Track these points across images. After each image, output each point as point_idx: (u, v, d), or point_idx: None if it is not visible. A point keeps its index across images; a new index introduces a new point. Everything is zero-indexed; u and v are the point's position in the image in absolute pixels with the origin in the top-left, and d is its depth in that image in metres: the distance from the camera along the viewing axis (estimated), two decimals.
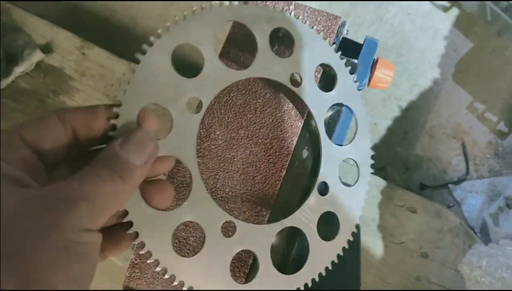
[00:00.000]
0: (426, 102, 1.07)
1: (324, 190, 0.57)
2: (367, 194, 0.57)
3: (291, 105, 0.62)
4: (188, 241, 0.58)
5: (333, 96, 0.59)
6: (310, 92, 0.58)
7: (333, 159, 0.58)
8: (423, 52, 1.12)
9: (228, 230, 0.54)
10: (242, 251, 0.52)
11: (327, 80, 0.62)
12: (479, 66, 1.10)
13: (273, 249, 0.55)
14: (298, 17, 0.57)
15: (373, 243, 0.90)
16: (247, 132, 0.61)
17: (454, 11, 1.16)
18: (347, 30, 0.69)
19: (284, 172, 0.60)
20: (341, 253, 0.53)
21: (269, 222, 0.57)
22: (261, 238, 0.54)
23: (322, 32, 0.66)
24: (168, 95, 0.49)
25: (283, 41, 0.64)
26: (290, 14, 0.67)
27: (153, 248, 0.50)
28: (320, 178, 0.57)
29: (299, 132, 0.61)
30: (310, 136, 0.62)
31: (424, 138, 1.05)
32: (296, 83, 0.59)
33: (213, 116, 0.61)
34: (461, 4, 1.14)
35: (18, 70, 1.03)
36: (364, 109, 0.59)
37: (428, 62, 1.11)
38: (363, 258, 0.90)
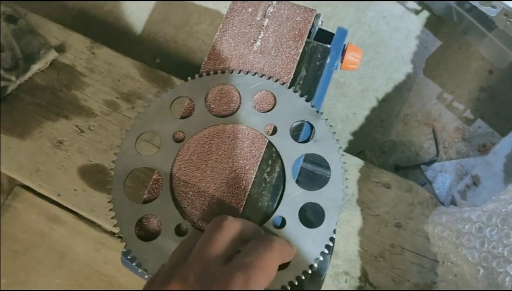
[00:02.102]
0: (400, 93, 1.14)
1: (280, 224, 0.62)
2: (331, 241, 0.61)
3: (256, 148, 0.68)
4: (148, 229, 0.65)
5: (307, 146, 0.66)
6: (283, 141, 0.66)
7: (295, 200, 0.63)
8: (397, 50, 1.19)
9: (182, 231, 0.63)
10: None
11: (303, 132, 0.68)
12: (447, 62, 1.17)
13: None
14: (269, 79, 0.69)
15: (352, 215, 0.97)
16: (215, 163, 0.67)
17: (425, 14, 1.23)
18: (322, 21, 0.77)
19: (248, 192, 0.65)
20: (287, 287, 0.58)
21: None
22: None
23: (300, 23, 0.74)
24: (161, 126, 0.68)
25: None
26: (272, 8, 0.75)
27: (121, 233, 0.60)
28: (278, 212, 0.63)
29: (258, 163, 0.67)
30: (274, 178, 0.66)
31: (399, 125, 1.11)
32: (272, 133, 0.67)
33: (192, 148, 0.68)
34: (431, 7, 1.22)
35: (35, 68, 1.10)
36: (340, 160, 0.65)
37: (402, 59, 1.18)
38: (344, 229, 0.96)
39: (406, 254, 0.93)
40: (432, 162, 1.08)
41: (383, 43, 1.20)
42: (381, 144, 1.11)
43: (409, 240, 0.93)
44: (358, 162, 1.00)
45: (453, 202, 1.00)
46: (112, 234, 1.11)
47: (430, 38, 1.20)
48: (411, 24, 1.22)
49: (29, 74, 1.10)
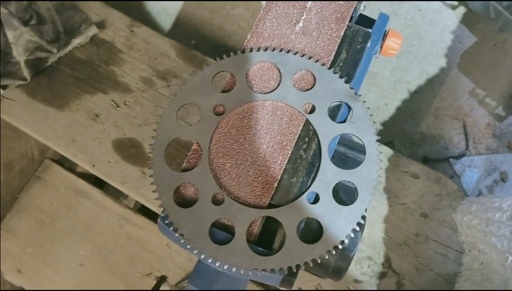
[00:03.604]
0: (432, 87, 1.14)
1: (313, 200, 0.63)
2: (363, 220, 0.61)
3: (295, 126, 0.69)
4: (186, 197, 0.66)
5: (344, 126, 0.67)
6: (321, 120, 0.67)
7: (329, 178, 0.64)
8: (432, 44, 1.19)
9: (217, 200, 0.64)
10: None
11: (341, 112, 0.69)
12: (481, 58, 1.16)
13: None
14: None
15: (379, 202, 0.97)
16: (253, 137, 0.68)
17: (461, 9, 1.22)
18: (364, 6, 0.78)
19: (284, 167, 0.66)
20: (317, 258, 0.59)
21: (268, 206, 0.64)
22: (241, 216, 0.63)
23: (342, 6, 0.75)
24: (202, 99, 0.70)
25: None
26: None
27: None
28: (312, 188, 0.64)
29: (295, 140, 0.68)
30: (310, 155, 0.68)
31: (429, 118, 1.11)
32: (310, 111, 0.68)
33: (231, 122, 0.69)
34: (468, 3, 1.21)
35: (76, 42, 1.13)
36: (376, 143, 0.66)
37: (436, 53, 1.18)
38: (370, 216, 0.97)
39: (431, 244, 0.93)
40: (461, 156, 1.08)
41: (418, 36, 1.20)
42: (411, 135, 1.11)
43: (434, 230, 0.94)
44: (387, 151, 1.00)
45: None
46: (136, 211, 1.14)
47: (465, 33, 1.20)
48: (447, 19, 1.21)
49: (69, 47, 1.13)
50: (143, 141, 0.98)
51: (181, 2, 1.31)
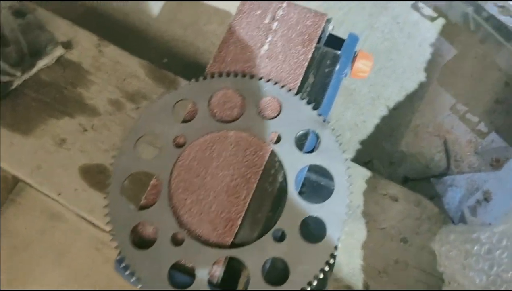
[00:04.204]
0: (411, 103, 1.11)
1: (280, 238, 0.60)
2: (332, 258, 0.58)
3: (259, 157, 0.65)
4: (144, 236, 0.62)
5: (312, 157, 0.64)
6: (287, 150, 0.64)
7: (296, 213, 0.60)
8: (411, 58, 1.16)
9: (177, 240, 0.60)
10: None
11: (308, 141, 0.66)
12: (462, 72, 1.14)
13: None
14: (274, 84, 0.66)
15: (357, 228, 0.94)
16: (215, 170, 0.65)
17: (441, 21, 1.20)
18: (333, 26, 0.74)
19: (248, 202, 0.63)
20: None
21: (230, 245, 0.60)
22: (202, 257, 0.59)
23: (310, 27, 0.71)
24: (162, 130, 0.66)
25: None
26: (282, 11, 0.73)
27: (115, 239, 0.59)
28: (278, 225, 0.60)
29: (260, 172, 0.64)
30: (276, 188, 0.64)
31: (409, 136, 1.08)
32: (275, 141, 0.64)
33: (193, 154, 0.66)
34: (447, 14, 1.19)
35: (41, 63, 1.09)
36: (346, 173, 0.62)
37: (415, 67, 1.15)
38: (348, 242, 0.93)
39: (411, 271, 0.90)
40: (442, 175, 1.04)
41: (396, 50, 1.17)
42: (390, 154, 1.08)
43: (415, 256, 0.90)
44: (365, 173, 0.97)
45: (463, 218, 0.97)
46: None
47: (445, 46, 1.17)
48: (426, 31, 1.19)
49: (34, 70, 1.09)
50: (111, 167, 0.93)
51: (153, 18, 1.27)
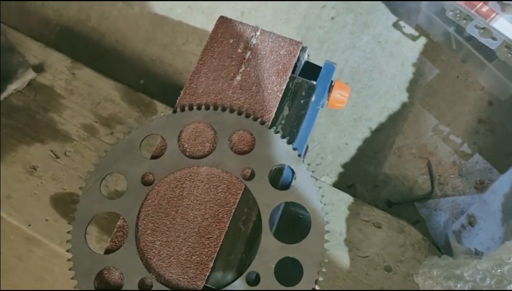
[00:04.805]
0: (394, 124, 1.09)
1: (253, 280, 0.57)
2: None
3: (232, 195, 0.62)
4: (109, 283, 0.59)
5: (287, 194, 0.61)
6: (261, 187, 0.61)
7: (271, 254, 0.58)
8: (393, 77, 1.14)
9: (145, 285, 0.57)
10: None
11: (283, 177, 0.63)
12: (444, 91, 1.12)
13: None
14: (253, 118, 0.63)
15: (340, 256, 0.91)
16: (186, 210, 0.62)
17: (422, 40, 1.19)
18: (308, 55, 0.72)
19: (220, 243, 0.60)
20: None
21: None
22: None
23: (285, 58, 0.69)
24: (129, 167, 0.62)
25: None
26: (255, 40, 0.70)
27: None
28: (252, 267, 0.57)
29: (233, 211, 0.61)
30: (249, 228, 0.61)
31: (392, 158, 1.06)
32: (249, 177, 0.62)
33: (162, 192, 0.63)
34: (429, 34, 1.18)
35: (11, 88, 1.06)
36: (321, 212, 0.60)
37: (397, 87, 1.13)
38: (330, 270, 0.91)
39: None
40: (426, 198, 1.03)
41: (378, 70, 1.16)
42: (373, 177, 1.06)
43: (399, 285, 0.88)
44: (347, 198, 0.95)
45: (448, 244, 0.95)
46: None
47: (427, 66, 1.16)
48: (407, 51, 1.17)
49: (5, 94, 1.05)
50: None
51: (130, 38, 1.24)
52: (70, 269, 0.59)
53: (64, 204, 0.97)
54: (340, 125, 1.10)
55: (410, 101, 1.12)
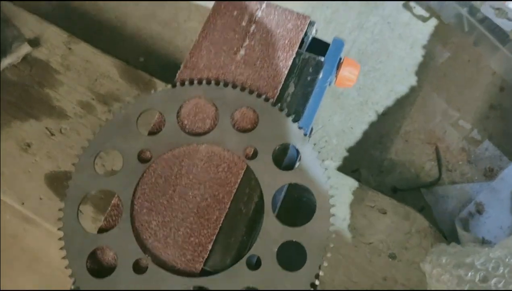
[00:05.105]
0: (402, 108, 1.06)
1: (254, 265, 0.55)
2: (313, 287, 0.53)
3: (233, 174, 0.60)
4: (102, 263, 0.57)
5: (291, 174, 0.58)
6: (264, 167, 0.58)
7: (273, 237, 0.55)
8: (401, 60, 1.11)
9: (140, 267, 0.55)
10: None
11: (288, 157, 0.60)
12: (454, 75, 1.09)
13: None
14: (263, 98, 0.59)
15: (343, 242, 0.89)
16: (184, 189, 0.59)
17: (433, 22, 1.15)
18: (316, 30, 0.68)
19: (220, 224, 0.58)
20: None
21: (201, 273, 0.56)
22: (168, 286, 0.54)
23: (292, 31, 0.65)
24: (124, 143, 0.59)
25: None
26: (261, 12, 0.67)
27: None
28: (253, 250, 0.55)
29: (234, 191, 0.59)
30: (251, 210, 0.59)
31: (399, 143, 1.03)
32: (251, 156, 0.59)
33: (159, 170, 0.60)
34: (440, 15, 1.14)
35: (6, 61, 1.02)
36: (327, 194, 0.57)
37: (406, 70, 1.10)
38: (333, 257, 0.88)
39: (400, 289, 0.85)
40: (433, 185, 1.00)
41: (386, 52, 1.12)
42: (379, 163, 1.03)
43: (403, 273, 0.86)
44: (351, 183, 0.92)
45: (454, 232, 0.92)
46: None
47: (437, 48, 1.12)
48: (417, 32, 1.13)
49: None
50: None
51: (130, 14, 1.20)
52: (61, 248, 0.56)
53: (59, 183, 0.94)
54: (346, 109, 1.07)
55: (418, 85, 1.09)
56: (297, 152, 0.60)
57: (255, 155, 0.59)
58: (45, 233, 1.04)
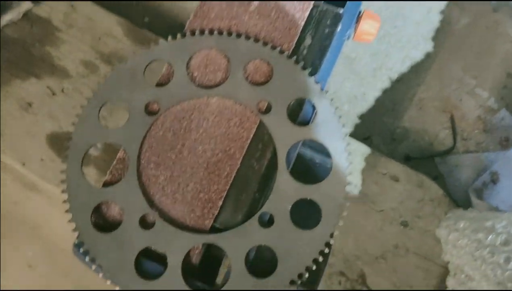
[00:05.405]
0: (416, 74, 1.03)
1: (266, 222, 0.52)
2: (327, 247, 0.52)
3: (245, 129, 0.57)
4: (107, 218, 0.55)
5: (306, 130, 0.55)
6: (278, 122, 0.55)
7: (287, 195, 0.53)
8: (417, 25, 1.07)
9: (147, 223, 0.52)
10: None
11: (303, 112, 0.58)
12: (472, 42, 1.06)
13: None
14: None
15: (353, 209, 0.87)
16: (193, 143, 0.57)
17: None
18: None
19: (231, 181, 0.56)
20: None
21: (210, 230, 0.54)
22: (176, 243, 0.52)
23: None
24: (131, 95, 0.56)
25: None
26: None
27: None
28: (266, 208, 0.52)
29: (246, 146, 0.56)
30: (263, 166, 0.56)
31: (412, 111, 1.01)
32: (265, 111, 0.56)
33: (167, 123, 0.57)
34: None
35: (6, 18, 0.99)
36: (345, 150, 0.55)
37: (422, 35, 1.06)
38: (343, 225, 0.86)
39: (411, 257, 0.84)
40: (447, 153, 0.98)
41: (401, 17, 1.08)
42: (392, 130, 1.00)
43: (415, 241, 0.84)
44: (364, 149, 0.90)
45: (468, 201, 0.90)
46: None
47: (455, 14, 1.08)
48: None
49: None
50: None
51: None
52: (64, 202, 0.54)
53: (61, 144, 0.92)
54: (359, 74, 1.04)
55: (434, 51, 1.05)
56: (313, 107, 0.57)
57: (268, 109, 0.56)
58: (46, 200, 1.03)
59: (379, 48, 1.06)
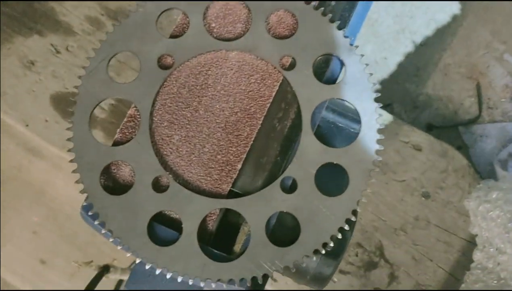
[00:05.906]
0: (442, 39, 0.99)
1: (289, 187, 0.49)
2: (354, 215, 0.49)
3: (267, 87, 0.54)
4: (118, 179, 0.52)
5: (333, 89, 0.51)
6: (303, 79, 0.51)
7: (311, 158, 0.49)
8: None
9: (160, 185, 0.49)
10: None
11: (330, 69, 0.54)
12: (502, 5, 1.01)
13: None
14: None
15: (373, 178, 0.84)
16: (211, 101, 0.53)
17: None
18: None
19: (251, 142, 0.52)
20: (291, 266, 0.48)
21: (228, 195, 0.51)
22: (192, 208, 0.49)
23: None
24: (142, 46, 0.52)
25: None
26: None
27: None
28: (289, 172, 0.49)
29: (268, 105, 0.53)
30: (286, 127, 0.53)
31: (437, 77, 0.97)
32: (288, 67, 0.52)
33: (182, 78, 0.53)
34: None
35: None
36: (376, 112, 0.51)
37: None
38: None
39: (432, 230, 0.81)
40: (472, 123, 0.94)
41: None
42: (414, 97, 0.97)
43: (437, 213, 0.82)
44: (385, 116, 0.86)
45: (492, 173, 0.87)
46: None
47: None
48: None
49: None
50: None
51: None
52: (71, 161, 0.50)
53: (66, 104, 0.89)
54: (380, 37, 1.00)
55: (462, 14, 1.01)
56: (341, 64, 0.53)
57: (292, 65, 0.52)
58: (51, 165, 1.01)
59: (403, 9, 1.01)
